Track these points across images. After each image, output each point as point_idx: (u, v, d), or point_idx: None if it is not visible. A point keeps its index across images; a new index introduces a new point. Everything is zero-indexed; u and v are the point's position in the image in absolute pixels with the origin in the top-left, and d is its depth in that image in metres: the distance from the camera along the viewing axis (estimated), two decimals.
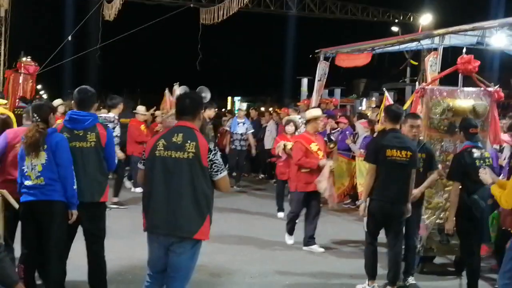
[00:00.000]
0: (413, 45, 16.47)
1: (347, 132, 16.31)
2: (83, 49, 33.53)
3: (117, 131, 13.81)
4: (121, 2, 26.58)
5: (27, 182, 7.15)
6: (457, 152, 9.26)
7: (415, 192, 8.96)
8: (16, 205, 7.33)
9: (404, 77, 40.87)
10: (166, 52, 77.71)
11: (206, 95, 18.30)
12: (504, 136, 11.36)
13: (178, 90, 18.59)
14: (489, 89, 10.55)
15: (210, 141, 6.35)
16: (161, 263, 6.35)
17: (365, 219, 9.05)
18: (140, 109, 17.60)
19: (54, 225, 7.14)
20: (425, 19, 39.03)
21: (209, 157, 6.18)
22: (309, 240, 11.45)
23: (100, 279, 7.68)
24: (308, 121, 11.70)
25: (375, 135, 13.25)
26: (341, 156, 16.18)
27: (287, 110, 20.30)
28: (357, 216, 9.64)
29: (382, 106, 12.73)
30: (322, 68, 18.25)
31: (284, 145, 13.37)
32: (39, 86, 42.32)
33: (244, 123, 19.91)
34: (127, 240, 9.01)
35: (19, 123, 8.91)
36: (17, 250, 7.63)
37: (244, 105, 22.46)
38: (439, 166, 9.81)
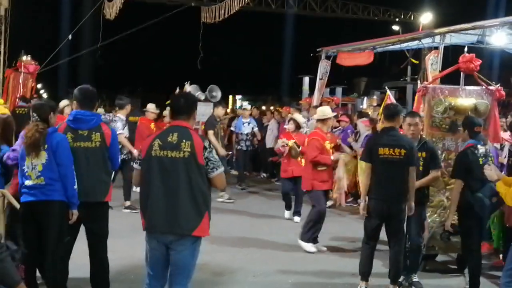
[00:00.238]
0: (414, 44, 16.47)
1: (349, 131, 16.31)
2: (84, 48, 33.54)
3: (125, 132, 13.81)
4: (122, 1, 26.55)
5: (28, 182, 7.12)
6: (460, 150, 9.25)
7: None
8: (17, 205, 7.34)
9: (405, 75, 40.89)
10: (167, 51, 77.69)
11: (217, 94, 18.31)
12: (504, 135, 11.37)
13: (189, 88, 18.60)
14: (491, 87, 10.55)
15: (205, 139, 6.39)
16: (161, 262, 6.38)
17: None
18: (150, 107, 17.56)
19: (55, 225, 7.12)
20: (426, 18, 39.10)
21: (204, 154, 6.23)
22: (309, 237, 11.39)
23: (102, 279, 7.66)
24: (320, 120, 11.69)
25: None
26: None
27: (289, 109, 20.26)
28: (359, 215, 9.62)
29: (383, 105, 12.72)
30: (323, 67, 18.29)
31: (286, 143, 13.47)
32: (39, 85, 42.25)
33: (249, 123, 19.83)
34: (128, 239, 9.02)
35: (19, 123, 8.88)
36: None
37: (248, 105, 22.30)
38: (441, 164, 9.83)
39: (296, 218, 14.00)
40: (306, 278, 9.63)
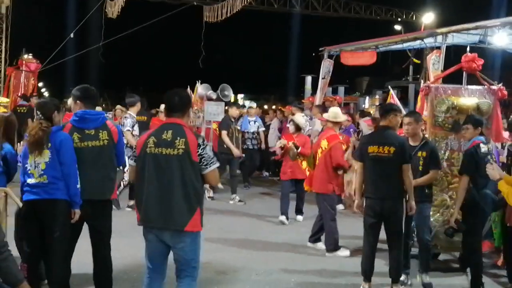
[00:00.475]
0: (416, 44, 16.49)
1: (351, 130, 16.33)
2: (86, 47, 33.55)
3: (136, 130, 13.78)
4: (124, 0, 26.61)
5: (30, 180, 7.10)
6: (467, 147, 9.24)
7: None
8: (20, 204, 7.33)
9: (406, 75, 40.98)
10: (169, 50, 77.80)
11: (229, 93, 18.22)
12: (505, 134, 11.39)
13: (200, 88, 18.55)
14: (493, 87, 10.56)
15: (199, 136, 6.49)
16: (159, 256, 6.56)
17: None
18: (163, 107, 17.52)
19: (58, 224, 7.09)
20: (428, 18, 39.19)
21: (198, 151, 6.33)
22: (335, 246, 11.15)
23: (105, 277, 7.66)
24: (332, 121, 11.62)
25: None
26: None
27: (290, 108, 20.26)
28: (361, 214, 9.64)
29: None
30: (326, 66, 18.29)
31: (283, 144, 13.50)
32: (40, 84, 42.28)
33: (255, 121, 19.79)
34: (131, 238, 9.02)
35: (20, 121, 8.89)
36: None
37: (254, 104, 22.23)
38: (444, 164, 9.83)
39: (299, 217, 13.92)
40: (309, 277, 9.62)
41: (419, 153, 9.06)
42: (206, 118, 17.58)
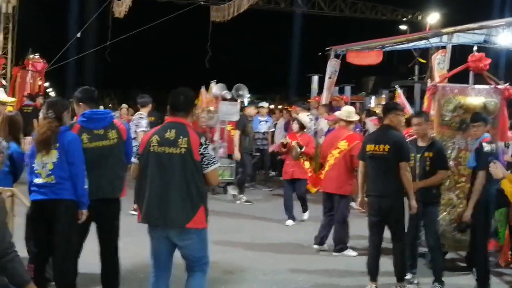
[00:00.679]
0: (421, 43, 16.49)
1: (357, 129, 16.29)
2: (92, 47, 33.59)
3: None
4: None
5: (37, 180, 7.07)
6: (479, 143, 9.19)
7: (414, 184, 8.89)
8: (27, 203, 7.33)
9: (412, 75, 40.93)
10: (176, 50, 77.74)
11: (244, 92, 18.10)
12: (510, 134, 11.38)
13: (215, 87, 18.48)
14: (500, 86, 10.55)
15: (202, 136, 6.57)
16: (164, 254, 6.65)
17: None
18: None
19: (65, 224, 7.07)
20: (433, 18, 39.25)
21: (200, 150, 6.42)
22: (342, 246, 11.13)
23: (113, 277, 7.66)
24: (346, 121, 11.53)
25: None
26: None
27: (295, 108, 20.20)
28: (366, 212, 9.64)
29: None
30: (332, 66, 18.29)
31: (286, 143, 13.45)
32: (46, 84, 42.32)
33: (266, 121, 19.60)
34: (137, 238, 9.01)
35: (26, 121, 8.89)
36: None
37: (265, 103, 21.98)
38: (451, 163, 9.82)
39: (305, 215, 13.85)
40: (316, 277, 9.62)
41: (426, 154, 9.04)
42: (221, 118, 17.56)
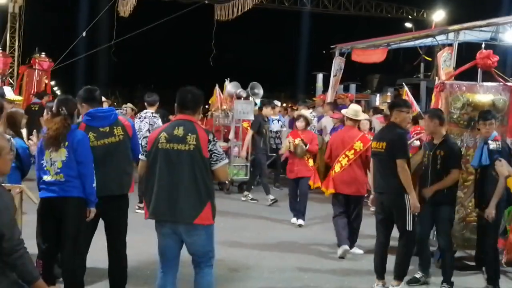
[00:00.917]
0: (428, 41, 16.49)
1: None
2: (97, 46, 33.64)
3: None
4: None
5: (46, 178, 7.09)
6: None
7: (427, 190, 8.90)
8: (36, 201, 7.34)
9: (417, 72, 40.96)
10: (180, 48, 77.75)
11: (259, 91, 17.96)
12: None
13: (230, 86, 18.38)
14: (508, 84, 10.53)
15: (210, 133, 6.61)
16: (171, 250, 6.70)
17: None
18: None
19: (74, 221, 7.09)
20: (438, 15, 39.30)
21: (208, 147, 6.51)
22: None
23: (120, 274, 7.67)
24: (352, 119, 11.30)
25: None
26: None
27: (296, 106, 20.14)
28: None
29: None
30: (337, 64, 18.32)
31: (289, 142, 13.28)
32: (52, 82, 42.37)
33: (279, 120, 19.30)
34: (144, 235, 9.01)
35: (33, 119, 8.87)
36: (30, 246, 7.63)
37: (278, 102, 21.63)
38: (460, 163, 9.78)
39: (300, 221, 13.26)
40: (322, 275, 9.61)
41: (438, 152, 8.95)
42: (236, 116, 17.51)
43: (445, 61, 12.28)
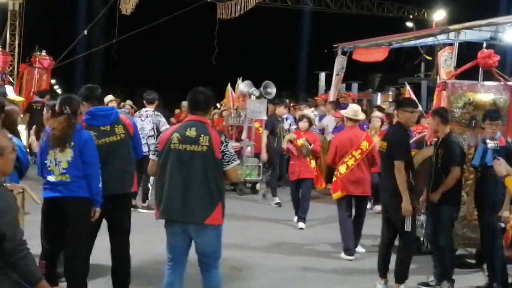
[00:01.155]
0: (429, 40, 16.48)
1: (365, 126, 16.25)
2: (98, 44, 33.62)
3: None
4: None
5: (50, 178, 7.08)
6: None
7: (434, 194, 8.90)
8: (38, 201, 7.30)
9: (418, 72, 40.99)
10: (182, 47, 77.61)
11: (272, 90, 17.78)
12: None
13: (242, 85, 18.25)
14: (509, 83, 10.54)
15: (222, 134, 6.64)
16: (181, 248, 6.73)
17: None
18: (185, 104, 17.32)
19: (78, 221, 7.09)
20: (439, 15, 39.44)
21: (221, 148, 6.55)
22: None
23: (123, 273, 7.68)
24: (352, 119, 11.19)
25: None
26: None
27: (297, 106, 20.05)
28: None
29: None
30: (339, 63, 18.29)
31: (290, 141, 13.21)
32: (53, 81, 42.32)
33: (287, 119, 19.14)
34: (147, 235, 9.04)
35: (35, 118, 8.83)
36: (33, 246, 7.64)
37: (286, 100, 21.33)
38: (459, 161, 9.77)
39: (301, 224, 13.09)
40: (325, 274, 9.64)
41: (439, 150, 8.98)
42: (248, 116, 17.35)
43: (446, 61, 12.28)
